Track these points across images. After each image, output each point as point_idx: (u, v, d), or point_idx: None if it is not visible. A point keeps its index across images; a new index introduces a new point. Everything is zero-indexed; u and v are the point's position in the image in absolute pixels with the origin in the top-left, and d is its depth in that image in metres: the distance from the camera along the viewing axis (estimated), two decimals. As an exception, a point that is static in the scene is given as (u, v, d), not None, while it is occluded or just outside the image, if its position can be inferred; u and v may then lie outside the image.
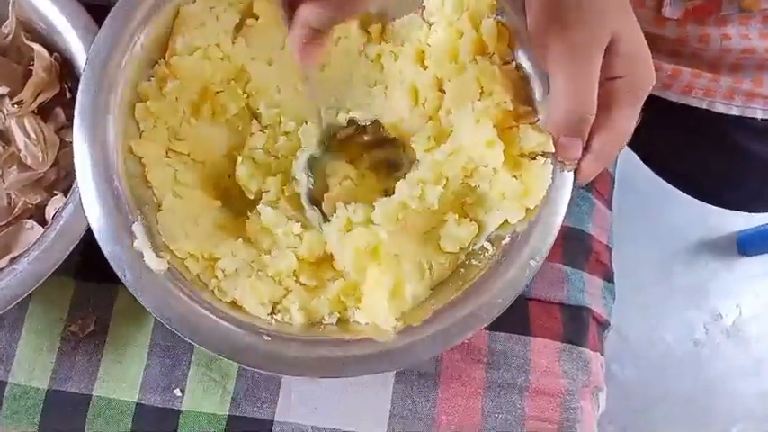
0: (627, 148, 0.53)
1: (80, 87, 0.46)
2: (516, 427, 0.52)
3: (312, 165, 0.51)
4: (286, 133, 0.51)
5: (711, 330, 1.31)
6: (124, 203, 0.45)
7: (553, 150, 0.45)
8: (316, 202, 0.50)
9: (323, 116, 0.51)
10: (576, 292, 0.56)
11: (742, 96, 0.63)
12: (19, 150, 0.53)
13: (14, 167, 0.54)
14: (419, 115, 0.50)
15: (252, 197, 0.50)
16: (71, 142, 0.46)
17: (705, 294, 1.33)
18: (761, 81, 0.63)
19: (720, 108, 0.64)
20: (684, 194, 0.79)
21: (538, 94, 0.47)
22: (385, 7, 0.52)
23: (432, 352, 0.44)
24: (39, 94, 0.54)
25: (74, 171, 0.45)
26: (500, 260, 0.45)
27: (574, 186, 0.45)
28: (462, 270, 0.47)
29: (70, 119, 0.46)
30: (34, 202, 0.53)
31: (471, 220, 0.47)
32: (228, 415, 0.52)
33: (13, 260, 0.50)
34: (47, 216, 0.53)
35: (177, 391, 0.53)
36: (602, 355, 0.57)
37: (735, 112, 0.64)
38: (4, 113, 0.54)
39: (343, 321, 0.46)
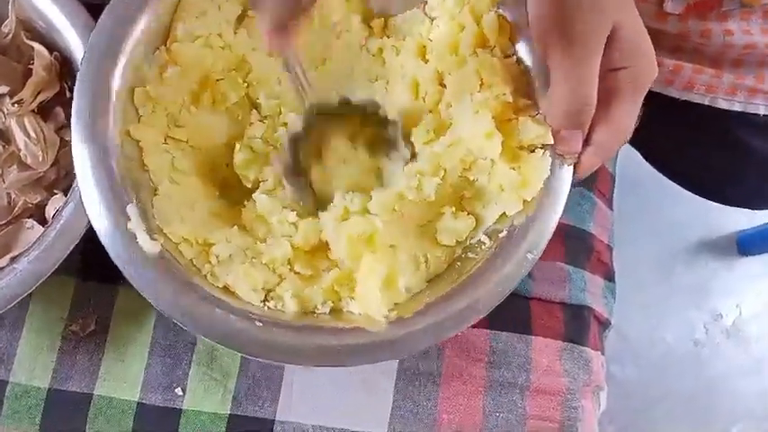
0: (628, 145, 0.53)
1: (80, 72, 0.46)
2: (517, 426, 0.52)
3: (300, 142, 0.50)
4: (285, 124, 0.51)
5: (712, 330, 1.31)
6: (120, 186, 0.45)
7: (552, 142, 0.44)
8: (304, 173, 0.50)
9: (308, 93, 0.49)
10: (577, 292, 0.56)
11: (744, 92, 0.63)
12: (19, 150, 0.53)
13: (14, 167, 0.54)
14: (420, 109, 0.50)
15: (249, 186, 0.50)
16: (71, 141, 0.46)
17: (705, 294, 1.33)
18: (763, 77, 0.63)
19: (723, 104, 0.63)
20: (684, 195, 0.78)
21: (538, 88, 0.47)
22: (387, 7, 0.52)
23: (428, 342, 0.44)
24: (39, 94, 0.54)
25: (74, 170, 0.45)
26: (497, 253, 0.45)
27: (573, 180, 0.45)
28: (459, 264, 0.47)
29: (70, 118, 0.46)
30: (34, 202, 0.53)
31: (469, 214, 0.47)
32: (230, 414, 0.52)
33: (13, 259, 0.50)
34: (47, 215, 0.53)
35: (178, 391, 0.53)
36: (602, 354, 0.57)
37: (737, 107, 0.63)
38: (3, 113, 0.54)
39: (336, 311, 0.46)
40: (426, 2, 0.51)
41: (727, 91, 0.63)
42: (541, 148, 0.45)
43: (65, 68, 0.55)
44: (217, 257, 0.46)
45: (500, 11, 0.48)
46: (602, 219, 0.60)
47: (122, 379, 0.53)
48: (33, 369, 0.53)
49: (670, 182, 0.78)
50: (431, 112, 0.49)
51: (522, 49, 0.48)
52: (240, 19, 0.52)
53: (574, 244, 0.58)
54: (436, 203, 0.47)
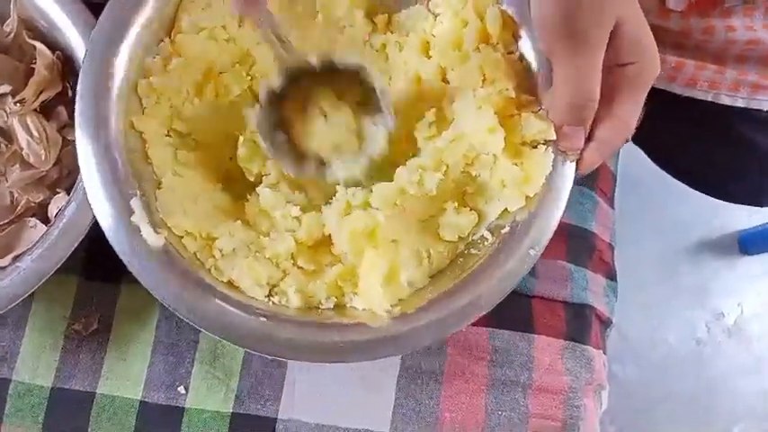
0: (629, 145, 0.53)
1: (84, 59, 0.47)
2: (520, 424, 0.52)
3: (283, 101, 0.49)
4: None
5: (713, 329, 1.31)
6: (123, 179, 0.45)
7: (554, 138, 0.45)
8: (286, 130, 0.49)
9: (284, 54, 0.47)
10: (579, 290, 0.56)
11: (747, 88, 0.63)
12: (21, 149, 0.53)
13: (17, 166, 0.54)
14: (422, 105, 0.50)
15: (252, 179, 0.50)
16: (73, 140, 0.46)
17: (707, 293, 1.33)
18: (766, 73, 0.63)
19: (725, 100, 0.63)
20: (685, 194, 0.78)
21: (541, 84, 0.47)
22: (390, 2, 0.52)
23: (430, 338, 0.44)
24: (41, 93, 0.54)
25: (76, 169, 0.45)
26: (499, 249, 0.45)
27: (575, 177, 0.45)
28: (461, 259, 0.47)
29: (72, 117, 0.46)
30: (37, 201, 0.53)
31: (471, 210, 0.47)
32: (232, 412, 0.52)
33: (16, 258, 0.50)
34: (50, 214, 0.53)
35: (181, 389, 0.53)
36: (604, 353, 0.57)
37: (740, 103, 0.63)
38: (6, 112, 0.54)
39: (339, 307, 0.46)
40: None
41: (730, 87, 0.63)
42: (544, 143, 0.45)
43: (67, 67, 0.55)
44: (220, 251, 0.46)
45: (503, 7, 0.48)
46: (603, 218, 0.60)
47: (125, 377, 0.53)
48: (36, 368, 0.53)
49: (671, 181, 0.78)
50: (433, 107, 0.49)
51: (525, 45, 0.48)
52: None
53: (576, 243, 0.58)
54: (438, 199, 0.47)
